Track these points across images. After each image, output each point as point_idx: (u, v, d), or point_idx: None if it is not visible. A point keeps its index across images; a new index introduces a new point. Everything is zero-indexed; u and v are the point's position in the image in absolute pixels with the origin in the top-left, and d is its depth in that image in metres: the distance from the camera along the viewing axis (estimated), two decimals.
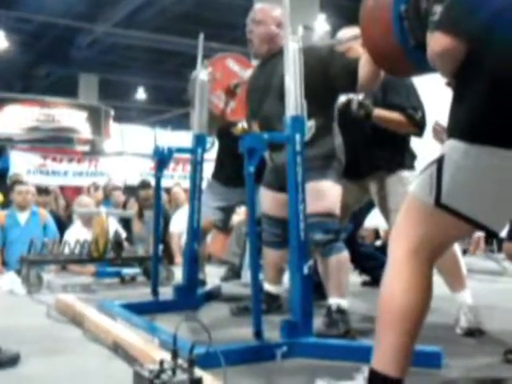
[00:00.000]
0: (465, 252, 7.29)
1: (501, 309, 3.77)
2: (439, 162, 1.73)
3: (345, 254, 3.02)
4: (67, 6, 12.52)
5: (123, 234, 5.32)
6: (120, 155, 14.01)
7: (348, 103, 3.27)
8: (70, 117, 14.34)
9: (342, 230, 3.43)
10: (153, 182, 4.43)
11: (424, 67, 2.16)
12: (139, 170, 12.96)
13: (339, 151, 3.12)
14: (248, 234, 3.06)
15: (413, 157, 3.51)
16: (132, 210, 7.07)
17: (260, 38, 3.30)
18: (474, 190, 1.70)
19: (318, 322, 2.85)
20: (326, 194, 3.00)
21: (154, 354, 2.26)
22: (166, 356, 1.97)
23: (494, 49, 1.66)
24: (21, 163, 12.18)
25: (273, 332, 2.60)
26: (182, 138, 9.57)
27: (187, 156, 3.90)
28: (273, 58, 3.25)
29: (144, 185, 7.13)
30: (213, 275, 4.84)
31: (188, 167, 5.82)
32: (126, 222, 6.49)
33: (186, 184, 4.60)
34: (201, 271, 4.13)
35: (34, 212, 5.62)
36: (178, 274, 4.14)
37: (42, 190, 6.92)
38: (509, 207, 1.77)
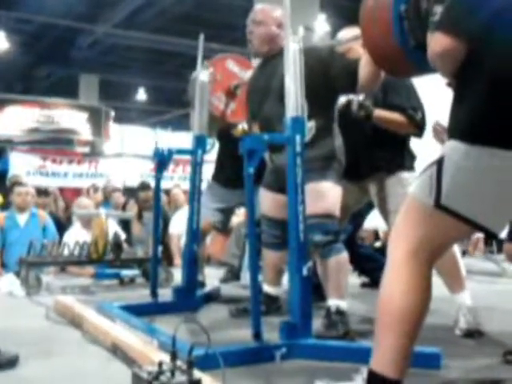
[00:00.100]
0: (464, 253, 7.28)
1: (500, 310, 3.77)
2: (439, 163, 1.73)
3: (344, 256, 3.02)
4: (67, 7, 12.53)
5: (122, 236, 5.31)
6: (120, 157, 14.01)
7: (348, 104, 3.27)
8: (70, 118, 14.35)
9: (342, 231, 3.43)
10: (152, 183, 4.44)
11: (424, 68, 2.16)
12: (139, 172, 12.96)
13: (339, 152, 3.12)
14: (247, 236, 3.06)
15: (412, 158, 3.51)
16: (131, 211, 7.07)
17: (260, 38, 3.30)
18: (473, 191, 1.70)
19: (317, 323, 2.84)
20: (326, 195, 3.00)
21: (153, 355, 2.25)
22: (165, 357, 1.97)
23: (494, 49, 1.66)
24: (20, 164, 12.18)
25: (272, 333, 2.60)
26: (183, 139, 9.58)
27: (187, 157, 3.89)
28: (273, 59, 3.24)
29: (144, 186, 7.13)
30: (212, 277, 4.84)
31: (188, 168, 5.82)
32: (125, 224, 6.48)
33: (186, 185, 4.60)
34: (200, 273, 4.13)
35: (33, 214, 5.61)
36: (178, 275, 4.14)
37: (42, 192, 6.91)
38: (509, 208, 1.77)
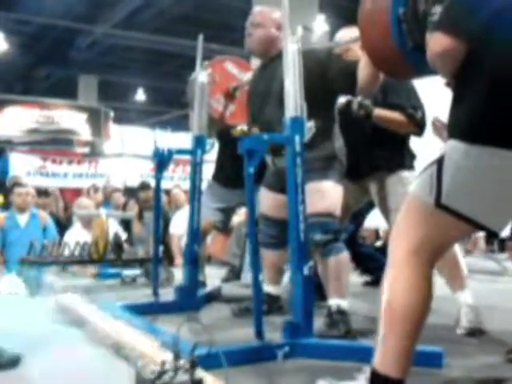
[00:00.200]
0: (466, 252, 7.28)
1: (501, 309, 3.77)
2: (439, 163, 1.73)
3: (344, 255, 3.02)
4: (66, 8, 12.51)
5: (123, 236, 5.32)
6: (120, 157, 14.02)
7: (348, 104, 3.27)
8: (69, 118, 14.35)
9: (343, 230, 3.43)
10: (153, 183, 4.43)
11: (423, 70, 2.16)
12: (139, 172, 12.97)
13: (340, 153, 3.12)
14: (248, 235, 3.06)
15: (412, 157, 3.52)
16: (132, 211, 7.07)
17: (259, 40, 3.29)
18: (474, 191, 1.70)
19: (319, 322, 2.85)
20: (326, 194, 3.00)
21: (156, 355, 2.25)
22: (168, 357, 1.96)
23: (495, 49, 1.66)
24: (20, 165, 12.19)
25: (274, 333, 2.60)
26: (182, 140, 9.58)
27: (187, 157, 3.89)
28: (272, 62, 3.24)
29: (144, 186, 7.13)
30: (213, 276, 4.84)
31: (188, 168, 5.82)
32: (126, 224, 6.49)
33: (186, 185, 4.60)
34: (201, 272, 4.13)
35: (33, 214, 5.62)
36: (178, 275, 4.14)
37: (42, 192, 6.92)
38: (509, 208, 1.77)
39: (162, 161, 3.64)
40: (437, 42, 1.73)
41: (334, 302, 2.97)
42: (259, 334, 2.48)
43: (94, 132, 14.60)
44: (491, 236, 6.89)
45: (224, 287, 4.37)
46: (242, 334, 2.84)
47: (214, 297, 4.01)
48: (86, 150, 14.34)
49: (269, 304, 3.35)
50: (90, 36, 14.66)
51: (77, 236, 5.18)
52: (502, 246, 8.17)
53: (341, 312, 2.94)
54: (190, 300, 3.61)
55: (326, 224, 2.96)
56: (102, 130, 14.74)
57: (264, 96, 3.21)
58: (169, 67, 17.13)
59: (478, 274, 5.60)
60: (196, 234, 3.68)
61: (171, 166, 11.68)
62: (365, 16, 2.44)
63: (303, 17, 8.86)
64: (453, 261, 3.03)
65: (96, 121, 14.67)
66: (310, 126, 2.92)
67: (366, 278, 4.83)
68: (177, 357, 1.86)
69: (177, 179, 11.95)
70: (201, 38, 3.72)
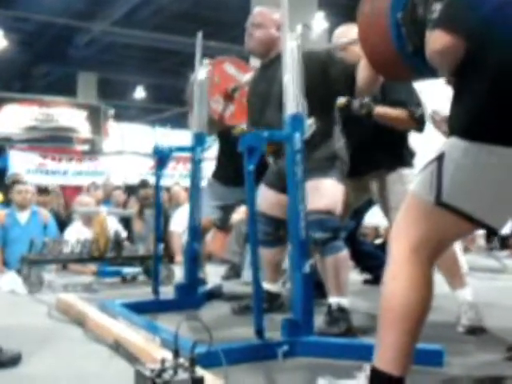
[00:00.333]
0: (465, 250, 7.29)
1: (501, 306, 3.77)
2: (439, 160, 1.73)
3: (343, 253, 3.00)
4: (65, 5, 12.51)
5: (123, 234, 5.32)
6: (120, 154, 13.99)
7: (349, 102, 3.26)
8: (69, 116, 14.34)
9: (342, 228, 3.43)
10: (153, 181, 4.43)
11: (422, 73, 2.16)
12: (139, 169, 12.93)
13: (342, 153, 3.12)
14: (247, 233, 3.06)
15: (412, 153, 3.52)
16: (132, 209, 7.07)
17: (260, 41, 3.29)
18: (473, 189, 1.70)
19: (319, 320, 2.85)
20: (327, 192, 2.99)
21: (156, 353, 2.26)
22: (168, 355, 1.97)
23: (494, 45, 1.66)
24: (20, 163, 12.15)
25: (274, 331, 2.60)
26: (182, 137, 9.56)
27: (187, 155, 3.89)
28: (272, 63, 3.22)
29: (144, 184, 7.14)
30: (213, 274, 4.84)
31: (188, 166, 5.81)
32: (126, 221, 6.49)
33: (186, 183, 4.60)
34: (201, 270, 4.13)
35: (34, 212, 5.62)
36: (179, 273, 4.14)
37: (42, 190, 6.92)
38: (508, 206, 1.77)
39: (161, 158, 3.64)
40: (436, 40, 1.73)
41: (334, 300, 2.96)
42: (259, 332, 2.48)
43: (93, 130, 14.59)
44: (491, 233, 6.89)
45: (225, 285, 4.38)
46: (242, 332, 2.85)
47: (215, 295, 4.00)
48: (86, 147, 14.32)
49: (269, 302, 3.36)
50: (89, 33, 14.65)
51: (77, 234, 5.17)
52: (503, 243, 8.18)
53: (341, 310, 2.94)
54: (190, 298, 3.61)
55: (325, 221, 2.95)
56: (101, 127, 14.73)
57: (264, 98, 3.20)
58: (168, 64, 17.12)
59: (478, 271, 5.60)
60: (196, 232, 3.68)
61: (171, 164, 11.64)
62: (364, 19, 2.43)
63: (303, 14, 8.85)
64: (452, 258, 3.03)
65: (95, 118, 14.66)
66: (310, 123, 2.91)
67: (366, 276, 4.83)
68: (177, 355, 1.86)
69: (177, 177, 11.92)
70: (200, 35, 3.71)
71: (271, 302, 3.40)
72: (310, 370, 2.32)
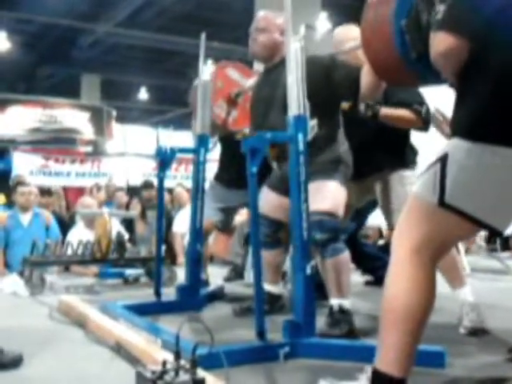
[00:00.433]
0: (466, 251, 7.27)
1: (503, 308, 3.76)
2: (443, 161, 1.72)
3: (344, 255, 2.99)
4: (69, 7, 12.54)
5: (126, 235, 5.32)
6: (122, 156, 14.00)
7: (354, 105, 3.25)
8: (72, 117, 14.35)
9: (343, 229, 3.43)
10: (155, 182, 4.43)
11: (426, 78, 2.15)
12: (142, 171, 12.94)
13: (346, 157, 3.12)
14: (250, 235, 3.06)
15: (414, 153, 3.52)
16: (135, 210, 7.07)
17: (263, 45, 3.28)
18: (476, 190, 1.70)
19: (321, 322, 2.84)
20: (330, 194, 2.99)
21: (157, 354, 2.26)
22: (169, 357, 1.97)
23: (498, 46, 1.66)
24: (23, 164, 12.17)
25: (276, 332, 2.60)
26: (185, 138, 9.56)
27: (190, 156, 3.89)
28: (276, 68, 3.22)
29: (147, 185, 7.13)
30: (216, 276, 4.84)
31: (191, 167, 5.81)
32: (129, 223, 6.49)
33: (189, 184, 4.59)
34: (203, 272, 4.13)
35: (36, 213, 5.62)
36: (181, 274, 4.14)
37: (45, 192, 6.92)
38: (511, 207, 1.76)
39: (164, 160, 3.64)
40: (440, 42, 1.72)
41: (335, 301, 2.95)
42: (261, 333, 2.48)
43: (96, 131, 14.60)
44: (494, 235, 6.87)
45: (227, 286, 4.38)
46: (244, 333, 2.85)
47: (217, 296, 4.00)
48: (89, 149, 14.33)
49: (270, 303, 3.36)
50: (93, 35, 14.68)
51: (80, 235, 5.18)
52: (505, 244, 8.17)
53: (343, 311, 2.93)
54: (193, 299, 3.61)
55: (325, 222, 2.94)
56: (104, 128, 14.73)
57: (268, 102, 3.20)
58: (171, 65, 17.15)
59: (480, 272, 5.60)
60: (198, 233, 3.68)
61: (174, 165, 11.66)
62: (367, 26, 2.42)
63: (306, 15, 8.85)
64: (451, 258, 3.02)
65: (99, 120, 14.67)
66: (312, 124, 2.91)
67: (368, 277, 4.82)
68: (178, 357, 1.86)
69: (180, 178, 11.91)
70: (203, 36, 3.71)
71: (272, 304, 3.39)
72: (312, 371, 2.32)
